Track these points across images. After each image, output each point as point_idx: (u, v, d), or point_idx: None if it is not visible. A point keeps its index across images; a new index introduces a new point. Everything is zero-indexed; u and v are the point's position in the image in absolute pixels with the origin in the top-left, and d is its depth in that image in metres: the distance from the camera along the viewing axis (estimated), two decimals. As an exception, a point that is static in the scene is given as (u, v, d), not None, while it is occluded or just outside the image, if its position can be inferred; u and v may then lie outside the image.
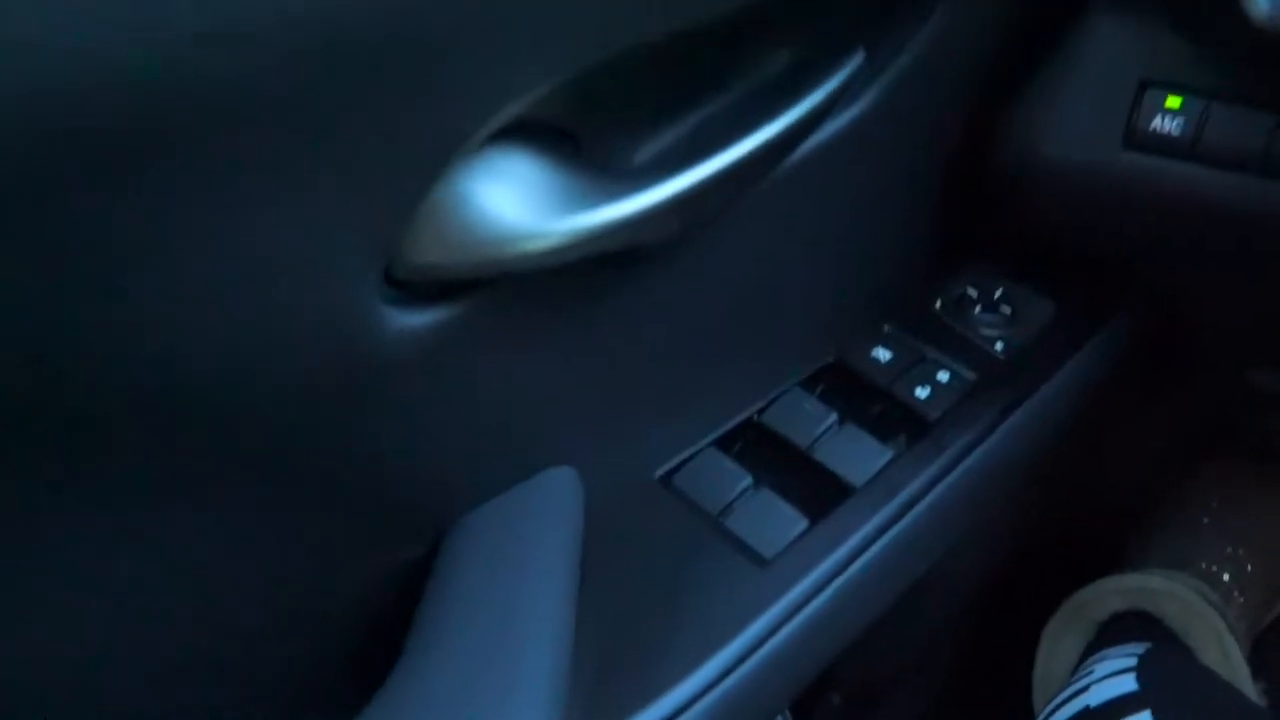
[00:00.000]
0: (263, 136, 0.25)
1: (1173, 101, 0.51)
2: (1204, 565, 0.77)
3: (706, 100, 0.42)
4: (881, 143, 0.49)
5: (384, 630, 0.43)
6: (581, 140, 0.38)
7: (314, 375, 0.33)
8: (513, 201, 0.33)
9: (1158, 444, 0.82)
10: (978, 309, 0.61)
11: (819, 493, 0.50)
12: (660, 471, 0.50)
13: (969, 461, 0.52)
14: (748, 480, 0.50)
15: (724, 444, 0.52)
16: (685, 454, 0.51)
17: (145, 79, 0.21)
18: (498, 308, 0.37)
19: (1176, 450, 0.83)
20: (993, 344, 0.59)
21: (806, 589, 0.47)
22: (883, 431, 0.53)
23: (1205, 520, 0.81)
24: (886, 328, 0.59)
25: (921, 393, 0.55)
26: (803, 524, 0.48)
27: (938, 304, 0.61)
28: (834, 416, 0.53)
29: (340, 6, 0.24)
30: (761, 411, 0.53)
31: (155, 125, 0.22)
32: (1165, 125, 0.52)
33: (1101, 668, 0.63)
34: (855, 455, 0.51)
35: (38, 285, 0.24)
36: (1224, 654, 0.70)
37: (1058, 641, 0.75)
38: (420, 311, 0.34)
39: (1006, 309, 0.61)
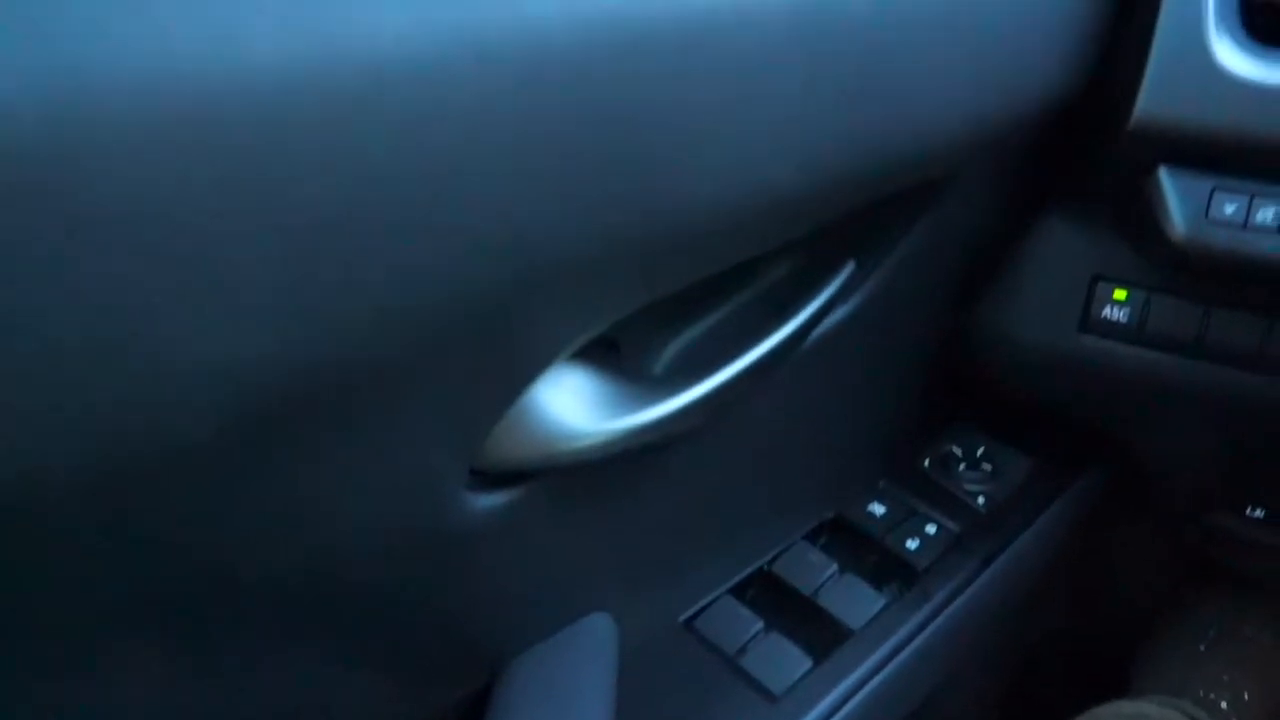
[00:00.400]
0: (384, 393, 0.33)
1: (1120, 294, 0.60)
2: (1202, 692, 0.81)
3: (723, 306, 0.51)
4: (872, 330, 0.58)
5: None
6: (621, 346, 0.47)
7: (405, 548, 0.41)
8: (571, 408, 0.42)
9: (1148, 577, 0.88)
10: (962, 466, 0.69)
11: (822, 635, 0.57)
12: (684, 616, 0.58)
13: (953, 608, 0.60)
14: (759, 624, 0.57)
15: (738, 592, 0.59)
16: (705, 601, 0.58)
17: (307, 367, 0.30)
18: (555, 487, 0.45)
19: (1168, 581, 0.89)
20: (975, 498, 0.67)
21: (812, 722, 0.54)
22: (877, 580, 0.60)
23: (1202, 648, 0.85)
24: (882, 484, 0.67)
25: (911, 544, 0.62)
26: (808, 663, 0.55)
27: (926, 462, 0.69)
28: (834, 566, 0.60)
29: (438, 303, 0.32)
30: (771, 562, 0.61)
31: (311, 399, 0.31)
32: (1114, 314, 0.60)
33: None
34: (853, 601, 0.58)
35: (227, 504, 0.32)
36: (1222, 781, 0.74)
37: (1056, 767, 0.79)
38: (494, 494, 0.43)
39: (988, 466, 0.69)
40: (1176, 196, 0.52)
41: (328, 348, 0.30)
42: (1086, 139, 0.54)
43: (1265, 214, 0.50)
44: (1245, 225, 0.51)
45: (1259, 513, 0.74)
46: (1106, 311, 0.61)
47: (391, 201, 0.29)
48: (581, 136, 0.33)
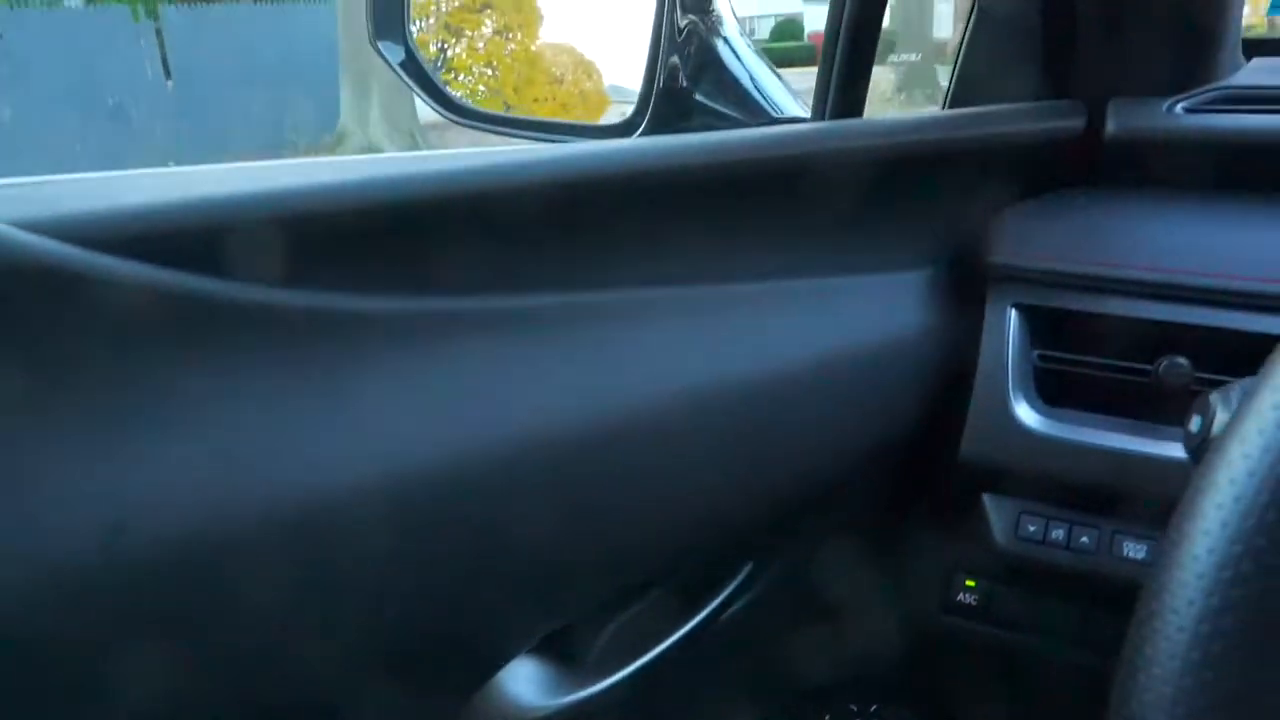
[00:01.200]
0: (381, 695, 0.47)
1: (970, 582, 0.75)
2: None
3: (646, 598, 0.66)
4: (771, 616, 0.72)
5: None
6: (569, 632, 0.61)
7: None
8: (524, 688, 0.56)
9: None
10: (856, 721, 0.82)
11: None
12: None
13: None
14: None
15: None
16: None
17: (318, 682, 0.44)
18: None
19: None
20: (866, 751, 0.79)
21: None
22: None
23: None
24: (789, 737, 0.80)
25: (809, 791, 0.75)
26: None
27: (827, 717, 0.82)
28: (743, 813, 0.72)
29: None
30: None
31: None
32: (967, 599, 0.75)
33: None
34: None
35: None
36: None
37: None
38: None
39: (877, 722, 0.82)
40: (995, 516, 0.68)
41: (337, 668, 0.44)
42: (929, 469, 0.71)
43: (1057, 533, 0.66)
44: (1043, 541, 0.66)
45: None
46: (960, 596, 0.75)
47: (412, 571, 0.44)
48: (552, 515, 0.48)
